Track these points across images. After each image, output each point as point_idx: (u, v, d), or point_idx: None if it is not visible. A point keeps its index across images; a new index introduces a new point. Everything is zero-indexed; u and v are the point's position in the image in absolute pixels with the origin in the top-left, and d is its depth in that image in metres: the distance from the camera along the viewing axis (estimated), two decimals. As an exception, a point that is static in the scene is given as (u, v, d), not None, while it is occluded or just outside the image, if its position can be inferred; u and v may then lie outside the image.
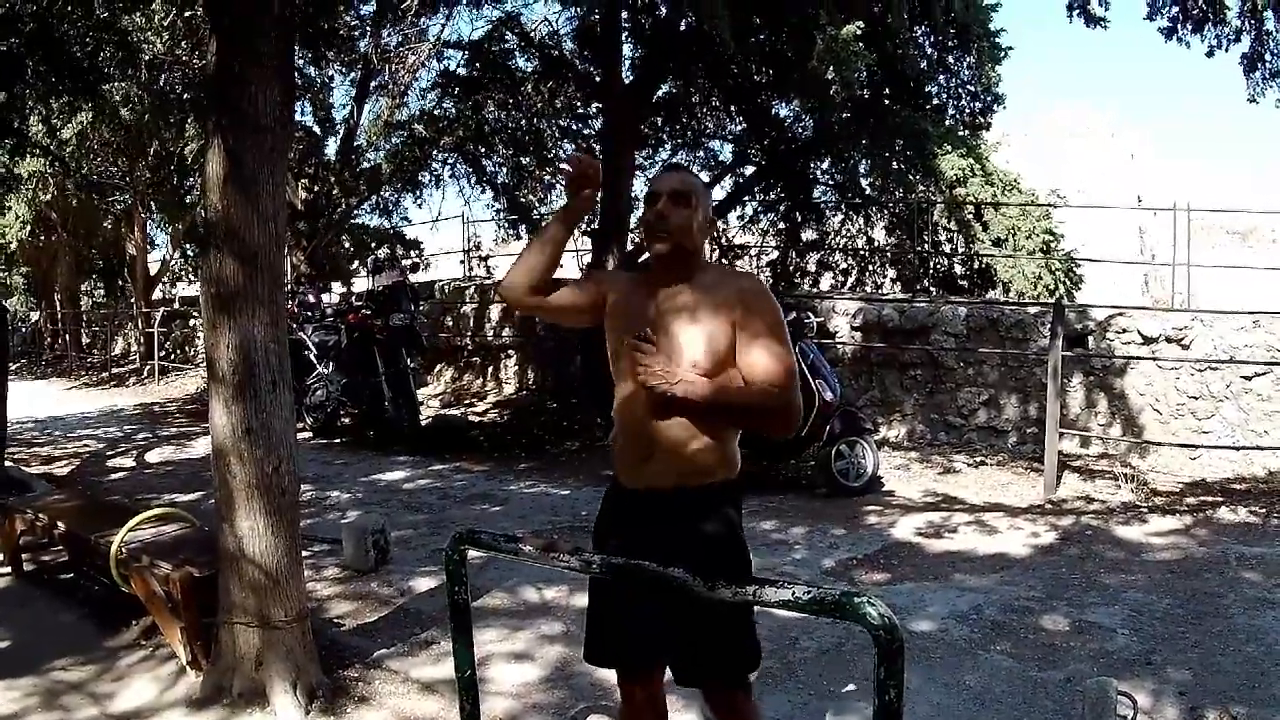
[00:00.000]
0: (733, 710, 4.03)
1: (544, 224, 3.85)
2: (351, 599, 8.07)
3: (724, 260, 21.93)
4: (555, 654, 6.75)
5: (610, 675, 6.14)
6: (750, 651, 3.97)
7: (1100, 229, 26.16)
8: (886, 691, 2.72)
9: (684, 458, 3.84)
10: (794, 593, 2.97)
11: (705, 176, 21.67)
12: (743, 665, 4.00)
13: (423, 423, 17.09)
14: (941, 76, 17.83)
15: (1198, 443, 12.64)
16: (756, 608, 3.60)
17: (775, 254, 22.27)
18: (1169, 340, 13.09)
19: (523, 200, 22.60)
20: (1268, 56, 12.12)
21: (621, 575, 3.64)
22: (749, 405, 3.77)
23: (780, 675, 6.12)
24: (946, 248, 22.62)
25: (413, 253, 24.78)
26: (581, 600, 7.64)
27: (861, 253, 22.76)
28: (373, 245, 23.17)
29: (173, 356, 31.26)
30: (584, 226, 22.40)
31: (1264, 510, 10.42)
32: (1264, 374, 12.39)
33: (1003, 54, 16.82)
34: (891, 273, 22.86)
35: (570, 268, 22.19)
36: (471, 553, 3.91)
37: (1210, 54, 12.13)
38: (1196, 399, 12.85)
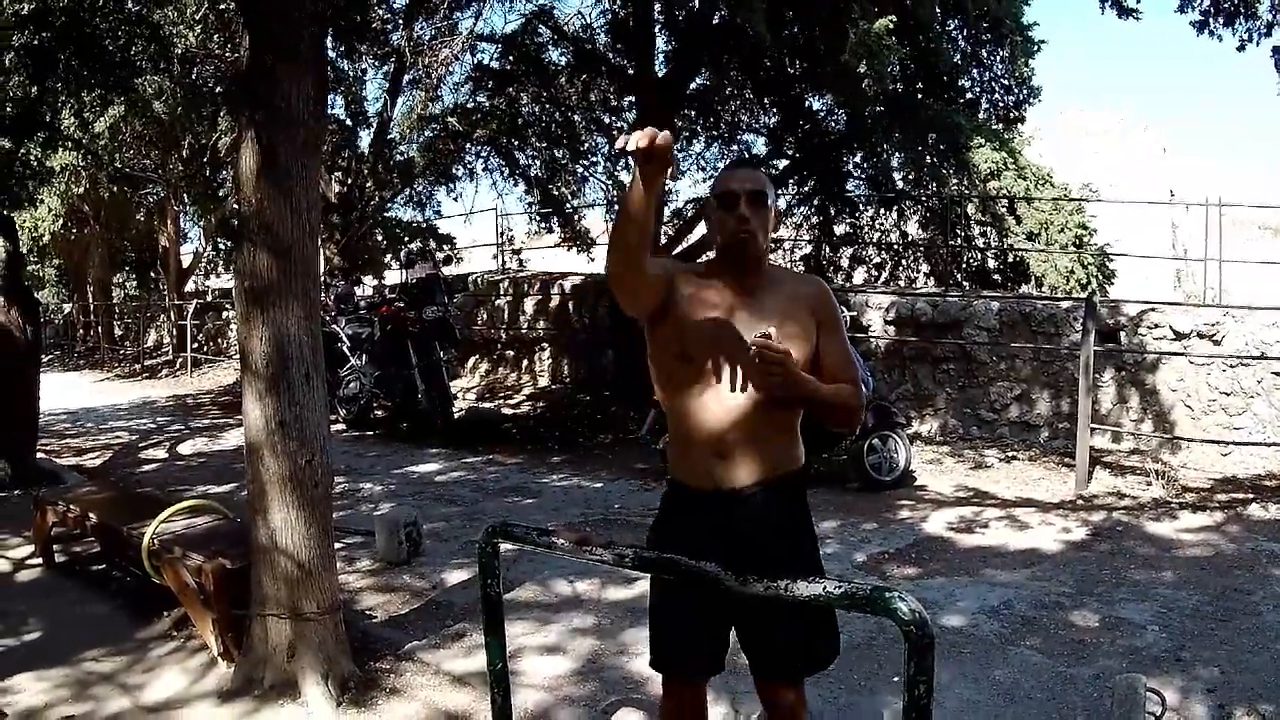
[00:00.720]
0: (785, 701, 3.98)
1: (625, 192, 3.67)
2: (383, 591, 8.10)
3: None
4: (587, 647, 6.76)
5: (641, 668, 6.17)
6: (812, 650, 3.95)
7: (1132, 225, 26.10)
8: (916, 686, 2.72)
9: (763, 454, 3.83)
10: (825, 587, 2.98)
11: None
12: (815, 661, 4.00)
13: (456, 415, 17.13)
14: (975, 70, 17.74)
15: (1229, 439, 12.59)
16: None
17: (809, 248, 22.23)
18: (1201, 336, 13.04)
19: (555, 193, 22.57)
20: (1299, 50, 12.04)
21: (653, 568, 3.65)
22: (831, 401, 3.77)
23: (811, 670, 6.14)
24: (979, 242, 22.61)
25: (445, 246, 24.77)
26: (613, 594, 7.70)
27: (895, 247, 22.74)
28: (405, 238, 23.15)
29: (205, 349, 31.35)
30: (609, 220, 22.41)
31: (1294, 507, 10.39)
32: (1296, 370, 12.36)
33: (1036, 47, 16.73)
34: (924, 267, 22.84)
35: (579, 261, 22.25)
36: (504, 545, 3.92)
37: (1241, 48, 12.04)
38: (1228, 395, 12.81)
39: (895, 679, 5.91)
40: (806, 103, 18.91)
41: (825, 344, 3.85)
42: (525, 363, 21.93)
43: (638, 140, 3.39)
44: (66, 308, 46.80)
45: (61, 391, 24.52)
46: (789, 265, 21.37)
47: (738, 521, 3.83)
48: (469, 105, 21.08)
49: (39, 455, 12.71)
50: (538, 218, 23.02)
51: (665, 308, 3.91)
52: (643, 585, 7.75)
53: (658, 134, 3.40)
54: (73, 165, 22.43)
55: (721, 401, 3.79)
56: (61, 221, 28.43)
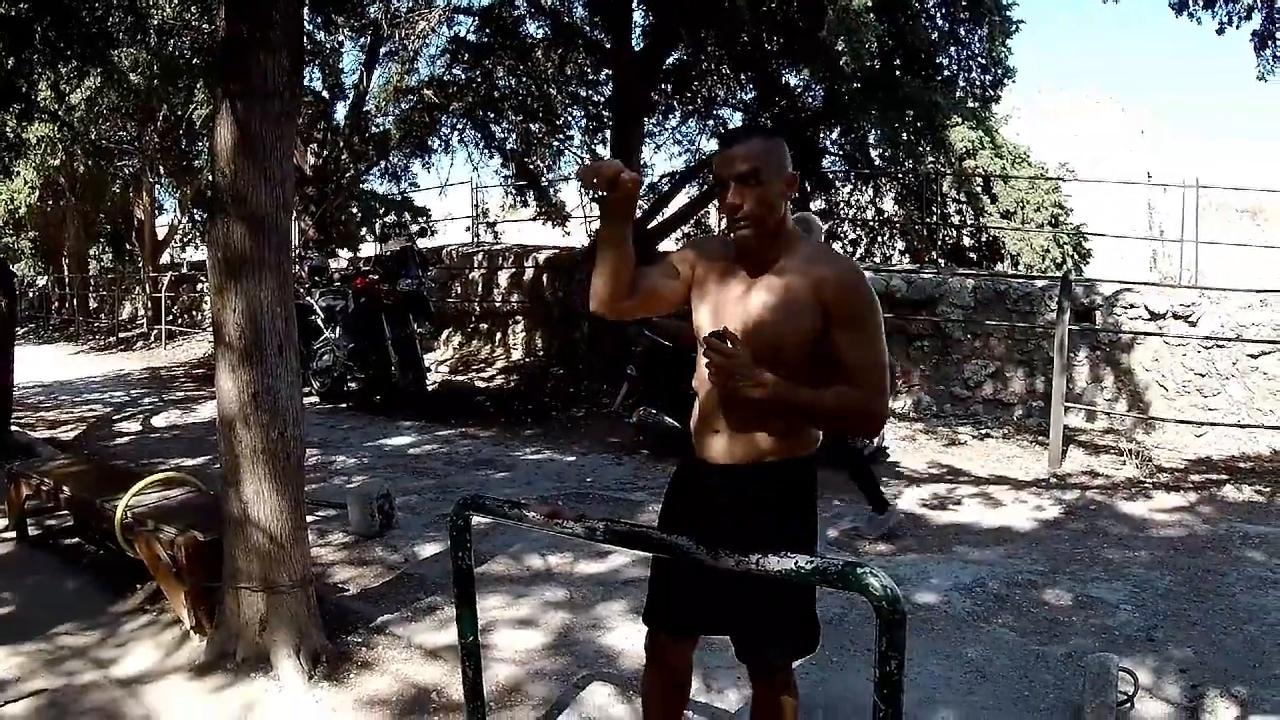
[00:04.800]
0: (770, 683, 4.00)
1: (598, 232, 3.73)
2: (356, 564, 8.09)
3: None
4: (559, 621, 6.76)
5: (614, 642, 6.19)
6: (794, 634, 3.91)
7: (1110, 206, 26.20)
8: (888, 662, 2.73)
9: (757, 437, 3.79)
10: (797, 563, 2.99)
11: (715, 144, 21.71)
12: (785, 645, 3.94)
13: (429, 388, 17.12)
14: (953, 49, 17.75)
15: (1203, 420, 12.63)
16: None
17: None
18: (1176, 317, 13.07)
19: (531, 166, 22.59)
20: (1278, 35, 12.06)
21: (625, 541, 3.65)
22: (829, 412, 3.64)
23: (783, 646, 6.13)
24: (955, 219, 22.66)
25: (420, 218, 24.75)
26: (586, 568, 7.72)
27: (870, 223, 22.79)
28: (380, 211, 23.14)
29: (180, 321, 31.30)
30: (591, 194, 22.44)
31: (1269, 489, 10.42)
32: (1271, 353, 12.38)
33: (1014, 27, 16.74)
34: (900, 244, 22.92)
35: (554, 234, 22.26)
36: (476, 519, 3.92)
37: (1221, 31, 12.07)
38: (1203, 376, 12.84)
39: (867, 655, 5.92)
40: (783, 79, 18.91)
41: (838, 339, 3.63)
42: (499, 336, 21.90)
43: (602, 173, 3.59)
44: (41, 280, 46.67)
45: (36, 364, 24.46)
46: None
47: (722, 495, 3.84)
48: (445, 78, 21.09)
49: (13, 429, 12.66)
50: (513, 191, 23.04)
51: (690, 295, 3.97)
52: (615, 560, 7.79)
53: (621, 169, 3.54)
54: (49, 137, 22.34)
55: (708, 384, 3.78)
56: (37, 194, 28.36)
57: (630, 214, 3.77)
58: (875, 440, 11.80)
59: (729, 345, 3.49)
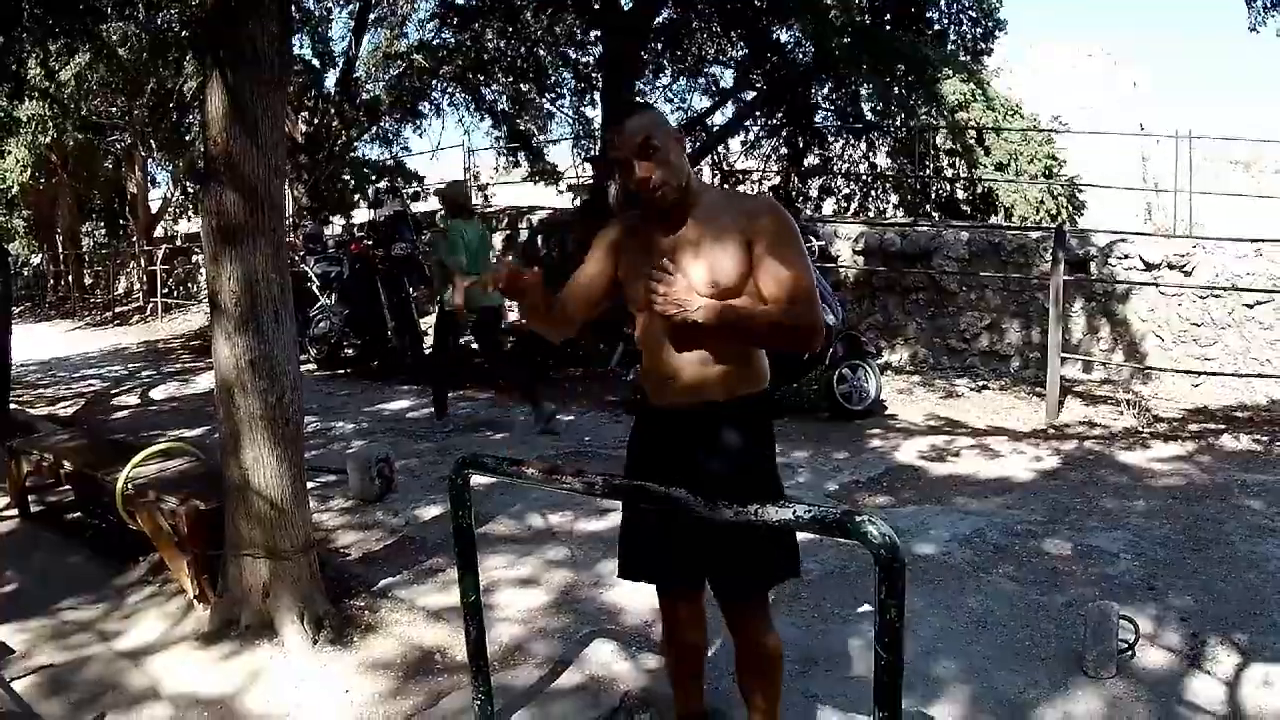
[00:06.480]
0: (744, 624, 4.01)
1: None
2: (357, 529, 8.10)
3: (725, 185, 21.83)
4: (561, 579, 6.79)
5: (616, 598, 6.21)
6: (769, 562, 3.93)
7: (1103, 159, 26.08)
8: (888, 610, 2.74)
9: (708, 376, 3.83)
10: (795, 512, 2.99)
11: (706, 102, 21.67)
12: (758, 576, 3.97)
13: (426, 352, 17.12)
14: (943, 1, 17.76)
15: (1200, 370, 12.65)
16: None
17: (777, 179, 22.25)
18: (1171, 267, 13.09)
19: (522, 128, 22.57)
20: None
21: (624, 495, 3.66)
22: (769, 324, 3.70)
23: (785, 597, 6.13)
24: (949, 173, 22.63)
25: (413, 183, 24.71)
26: (586, 525, 7.73)
27: (864, 178, 22.79)
28: (373, 177, 23.11)
29: (175, 294, 31.23)
30: (582, 154, 22.48)
31: (1266, 438, 10.45)
32: (1266, 302, 12.42)
33: (1004, -21, 16.76)
34: (894, 198, 22.91)
35: (547, 195, 22.26)
36: (476, 480, 3.94)
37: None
38: (1199, 326, 12.86)
39: (868, 607, 5.94)
40: (774, 35, 18.92)
41: (757, 264, 3.76)
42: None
43: (489, 283, 3.99)
44: (36, 258, 46.54)
45: (33, 342, 24.40)
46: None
47: (688, 438, 3.88)
48: (435, 42, 21.11)
49: (12, 406, 12.65)
50: (505, 153, 23.02)
51: (618, 271, 4.08)
52: (615, 517, 7.78)
53: (502, 277, 3.90)
54: (39, 115, 22.29)
55: (652, 335, 3.89)
56: (29, 172, 28.21)
57: (537, 294, 3.99)
58: (873, 392, 11.85)
59: (666, 275, 3.58)
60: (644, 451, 4.09)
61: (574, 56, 21.55)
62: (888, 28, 16.75)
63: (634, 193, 3.83)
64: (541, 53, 20.98)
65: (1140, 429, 10.99)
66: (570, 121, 23.21)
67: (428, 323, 19.76)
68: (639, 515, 4.08)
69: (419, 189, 25.08)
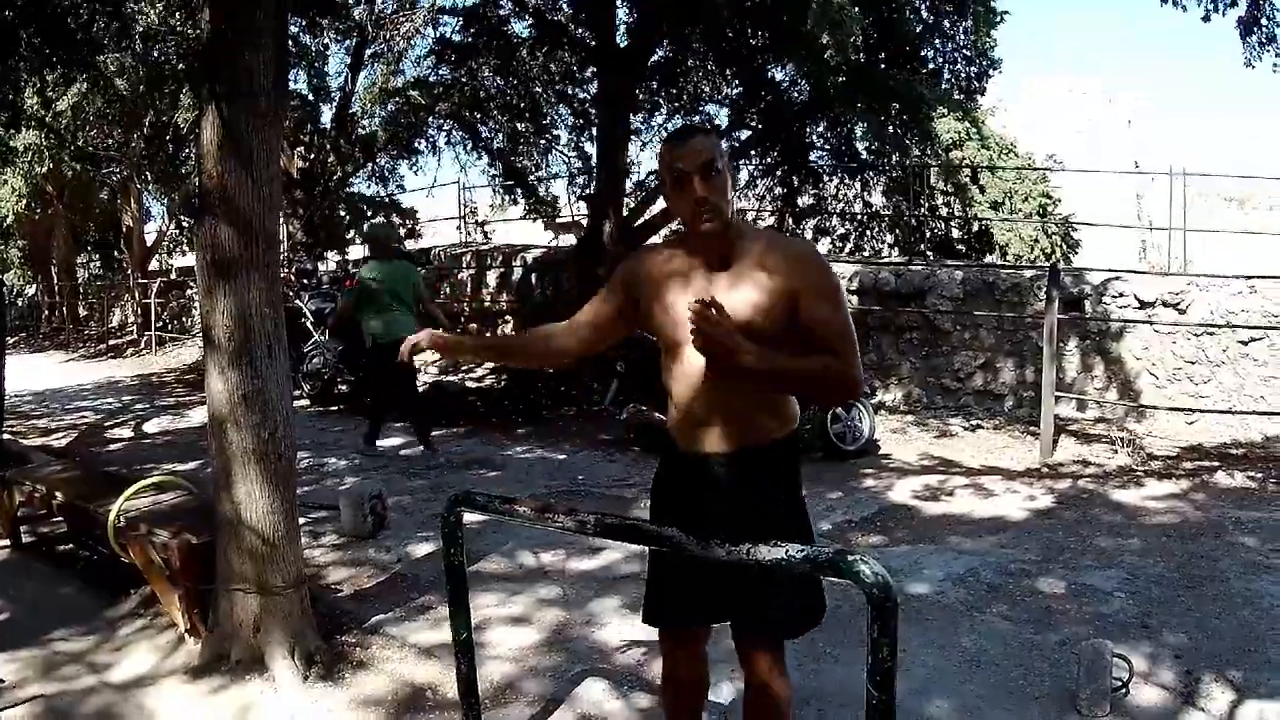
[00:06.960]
0: (762, 670, 3.93)
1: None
2: (349, 565, 8.08)
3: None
4: (553, 618, 6.76)
5: (608, 637, 6.20)
6: (800, 605, 3.90)
7: (1098, 196, 26.20)
8: (880, 649, 2.74)
9: (748, 420, 3.79)
10: (788, 551, 2.99)
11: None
12: (785, 623, 3.93)
13: (420, 389, 17.10)
14: (937, 41, 17.80)
15: (1195, 407, 12.66)
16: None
17: (772, 218, 22.28)
18: (1165, 305, 13.09)
19: (518, 165, 22.63)
20: (1264, 20, 12.02)
21: (622, 536, 3.65)
22: (813, 374, 3.64)
23: (777, 638, 6.13)
24: (943, 211, 22.70)
25: (409, 220, 24.78)
26: (579, 564, 7.73)
27: (858, 217, 22.83)
28: (368, 213, 23.15)
29: (170, 327, 31.22)
30: (578, 192, 22.57)
31: (1260, 475, 10.45)
32: (1260, 339, 12.42)
33: (998, 18, 16.80)
34: (889, 237, 22.96)
35: (543, 233, 22.27)
36: (469, 518, 3.92)
37: (1206, 18, 12.02)
38: (1193, 364, 12.87)
39: (861, 646, 5.93)
40: (769, 73, 18.96)
41: (810, 312, 3.65)
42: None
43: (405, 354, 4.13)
44: (30, 289, 46.60)
45: (27, 373, 24.34)
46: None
47: (710, 485, 3.84)
48: (431, 79, 21.18)
49: (5, 437, 12.63)
50: (501, 190, 23.09)
51: (638, 310, 3.98)
52: (608, 555, 7.81)
53: (421, 343, 4.08)
54: (36, 145, 22.33)
55: (688, 376, 3.80)
56: (25, 202, 28.25)
57: (461, 346, 4.29)
58: (867, 432, 11.85)
59: (714, 313, 3.45)
60: (674, 498, 4.02)
61: (570, 93, 21.62)
62: (883, 67, 16.79)
63: (685, 212, 3.74)
64: (538, 90, 21.04)
65: (1134, 467, 10.99)
66: (567, 159, 23.32)
67: (421, 360, 19.82)
68: (664, 560, 4.03)
69: (415, 225, 25.17)
